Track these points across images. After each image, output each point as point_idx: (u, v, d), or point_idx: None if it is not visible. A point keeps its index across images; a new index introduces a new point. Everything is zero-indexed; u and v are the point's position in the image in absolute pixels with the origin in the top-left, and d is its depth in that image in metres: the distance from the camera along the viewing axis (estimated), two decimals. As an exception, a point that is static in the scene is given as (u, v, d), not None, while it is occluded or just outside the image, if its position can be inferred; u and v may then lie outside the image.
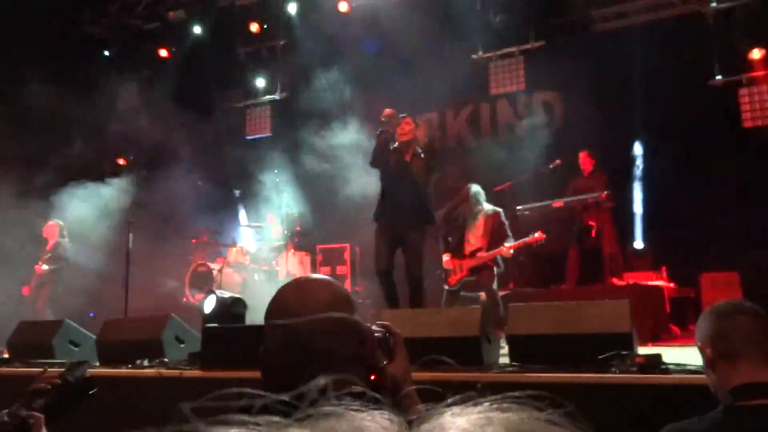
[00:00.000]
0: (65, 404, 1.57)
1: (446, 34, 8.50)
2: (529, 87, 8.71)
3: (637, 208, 7.50)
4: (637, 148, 7.66)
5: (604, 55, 7.89)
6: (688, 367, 2.64)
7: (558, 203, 6.61)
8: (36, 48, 8.35)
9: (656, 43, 7.56)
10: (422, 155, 5.20)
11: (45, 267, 7.57)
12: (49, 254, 7.68)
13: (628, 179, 7.33)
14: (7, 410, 1.45)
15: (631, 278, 6.57)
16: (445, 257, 6.14)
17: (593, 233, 6.63)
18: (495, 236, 6.01)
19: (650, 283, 6.47)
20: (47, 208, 7.98)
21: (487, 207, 6.15)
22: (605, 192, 6.43)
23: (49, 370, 2.03)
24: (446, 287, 6.11)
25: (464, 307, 4.14)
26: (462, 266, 6.05)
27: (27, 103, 8.25)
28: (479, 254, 6.00)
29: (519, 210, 6.41)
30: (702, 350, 1.66)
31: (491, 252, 5.90)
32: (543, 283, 7.06)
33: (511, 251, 5.90)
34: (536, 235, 5.93)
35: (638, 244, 7.53)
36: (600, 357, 2.73)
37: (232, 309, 4.40)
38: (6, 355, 4.70)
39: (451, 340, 3.29)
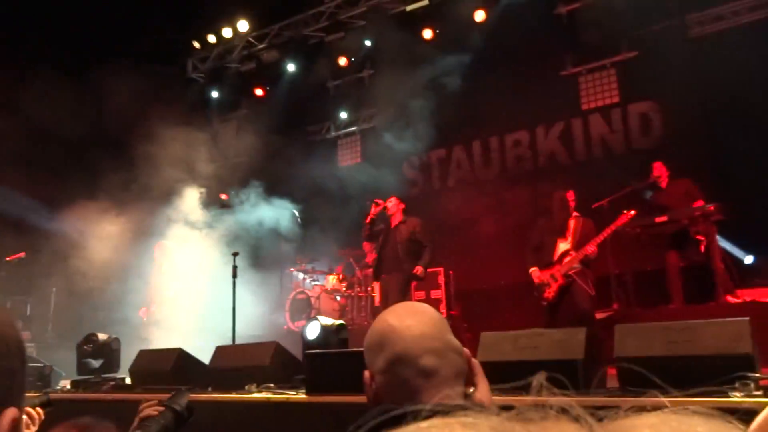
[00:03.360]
0: (172, 430, 1.72)
1: (533, 52, 8.43)
2: (624, 99, 8.43)
3: (747, 219, 6.98)
4: (743, 155, 7.16)
5: (702, 60, 7.52)
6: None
7: (661, 218, 6.28)
8: (149, 92, 9.02)
9: (760, 43, 7.11)
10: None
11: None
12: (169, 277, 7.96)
13: (738, 188, 6.86)
14: None
15: (747, 296, 6.12)
16: (533, 272, 6.01)
17: (702, 248, 6.22)
18: (583, 239, 5.85)
19: (770, 300, 5.99)
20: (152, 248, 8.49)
21: (579, 214, 6.10)
22: (714, 204, 6.04)
23: (146, 397, 2.20)
24: (544, 303, 5.93)
25: (568, 328, 4.01)
26: (554, 275, 5.87)
27: (137, 144, 8.92)
28: (566, 259, 5.83)
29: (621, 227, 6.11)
30: None
31: (578, 253, 5.74)
32: (649, 303, 6.70)
33: (594, 249, 5.75)
34: (624, 213, 5.80)
35: (748, 259, 7.02)
36: (719, 380, 2.56)
37: (337, 335, 4.49)
38: (128, 381, 5.05)
39: (554, 363, 3.20)
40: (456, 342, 1.24)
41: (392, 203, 6.86)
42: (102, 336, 5.70)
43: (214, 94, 11.33)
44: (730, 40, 7.57)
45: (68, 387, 5.21)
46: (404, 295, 6.37)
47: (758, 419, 0.60)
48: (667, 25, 8.01)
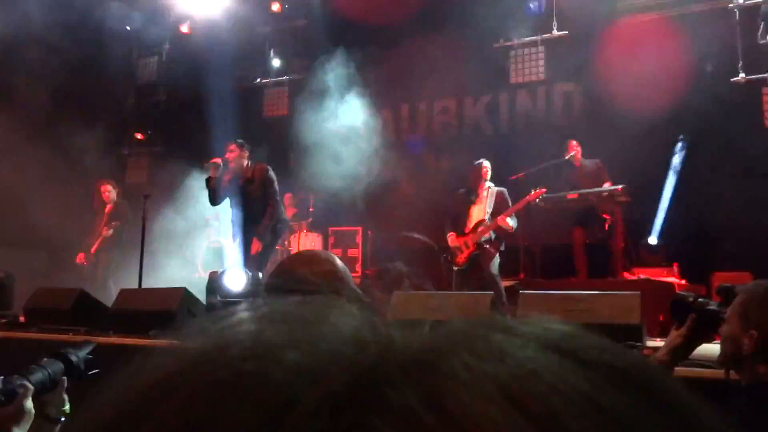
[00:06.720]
0: (61, 381, 1.50)
1: (469, 21, 8.45)
2: (550, 77, 8.65)
3: (655, 203, 7.43)
4: (659, 145, 7.55)
5: (627, 47, 7.80)
6: (697, 361, 2.64)
7: (572, 195, 6.57)
8: (58, 20, 8.38)
9: (681, 37, 7.46)
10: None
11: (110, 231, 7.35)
12: (110, 216, 7.50)
13: (649, 174, 7.25)
14: (3, 377, 1.42)
15: (642, 273, 6.55)
16: (450, 236, 6.20)
17: (606, 226, 6.60)
18: (496, 211, 6.10)
19: (661, 279, 6.44)
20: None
21: (493, 185, 6.32)
22: (621, 186, 6.38)
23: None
24: (455, 268, 6.16)
25: (475, 291, 4.18)
26: (467, 243, 6.10)
27: (47, 75, 8.31)
28: (480, 228, 6.08)
29: (539, 202, 6.35)
30: (750, 337, 1.50)
31: (491, 224, 5.99)
32: (554, 275, 7.04)
33: (509, 219, 6.00)
34: (534, 191, 6.07)
35: (652, 239, 7.49)
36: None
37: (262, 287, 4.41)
38: (22, 320, 4.79)
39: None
40: (359, 291, 1.26)
41: (231, 153, 5.74)
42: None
43: (135, 25, 10.64)
44: (654, 31, 7.87)
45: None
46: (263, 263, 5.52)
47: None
48: (598, 9, 8.23)
